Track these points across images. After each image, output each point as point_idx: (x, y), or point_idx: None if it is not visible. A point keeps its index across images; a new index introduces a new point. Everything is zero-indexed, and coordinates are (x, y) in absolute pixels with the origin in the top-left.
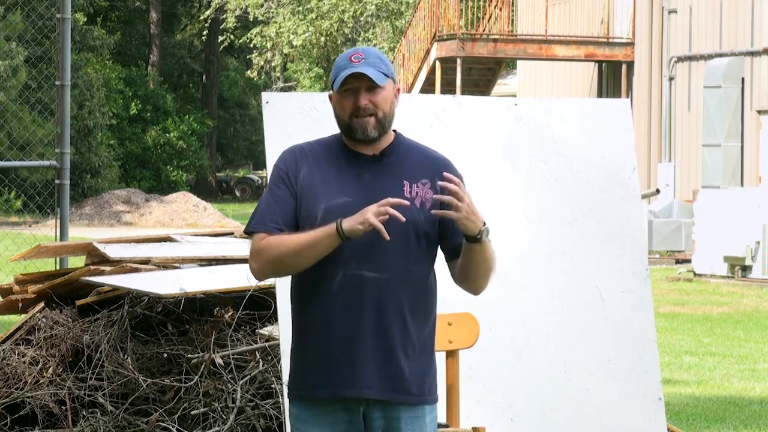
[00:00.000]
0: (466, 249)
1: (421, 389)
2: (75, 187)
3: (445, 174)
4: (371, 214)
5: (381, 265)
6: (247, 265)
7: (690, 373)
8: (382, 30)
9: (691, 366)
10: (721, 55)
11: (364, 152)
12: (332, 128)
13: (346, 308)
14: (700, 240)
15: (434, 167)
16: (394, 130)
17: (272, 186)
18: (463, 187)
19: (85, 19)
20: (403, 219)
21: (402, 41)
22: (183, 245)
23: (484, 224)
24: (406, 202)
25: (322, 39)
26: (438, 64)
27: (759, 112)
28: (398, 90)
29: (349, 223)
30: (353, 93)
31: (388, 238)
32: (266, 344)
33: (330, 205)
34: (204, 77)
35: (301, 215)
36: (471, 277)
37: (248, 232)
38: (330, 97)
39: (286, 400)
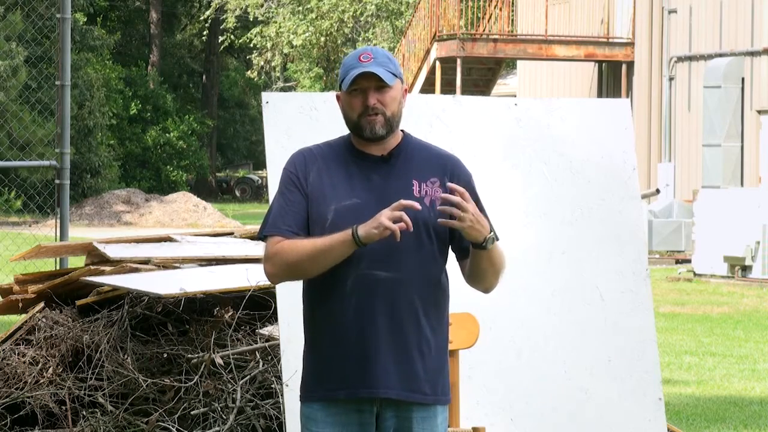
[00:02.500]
0: (473, 253)
1: (435, 389)
2: (75, 187)
3: (449, 185)
4: (385, 218)
5: (394, 264)
6: (247, 265)
7: (690, 373)
8: (382, 30)
9: (691, 366)
10: (721, 55)
11: (373, 153)
12: (332, 128)
13: (359, 308)
14: (700, 240)
15: (443, 166)
16: (402, 130)
17: (283, 189)
18: (467, 197)
19: (85, 19)
20: (411, 229)
21: (402, 41)
22: (183, 245)
23: (491, 231)
24: (418, 205)
25: (322, 39)
26: (438, 64)
27: (759, 112)
28: (405, 90)
29: (364, 230)
30: (362, 92)
31: (399, 239)
32: (266, 344)
33: (340, 206)
34: (204, 77)
35: (311, 217)
36: (480, 279)
37: (262, 237)
38: (338, 98)
39: (287, 400)
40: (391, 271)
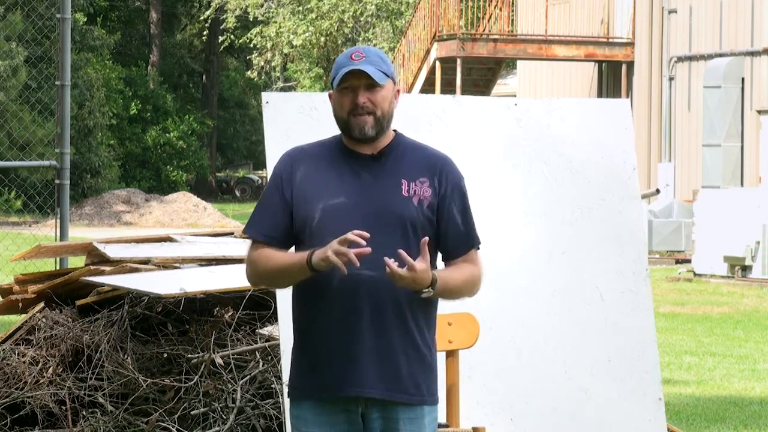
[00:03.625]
0: None
1: (420, 389)
2: (75, 187)
3: (384, 259)
4: (332, 252)
5: (380, 264)
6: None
7: (690, 373)
8: (382, 30)
9: (691, 366)
10: (721, 55)
11: (363, 152)
12: (332, 128)
13: (345, 308)
14: (700, 240)
15: (433, 165)
16: (394, 130)
17: (267, 191)
18: (410, 264)
19: (85, 19)
20: (358, 264)
21: (402, 41)
22: (183, 245)
23: (431, 284)
24: (366, 234)
25: (322, 39)
26: (438, 64)
27: (759, 112)
28: (398, 91)
29: (315, 258)
30: (352, 91)
31: (344, 272)
32: (266, 344)
33: (327, 205)
34: (204, 77)
35: (298, 216)
36: (446, 299)
37: (245, 234)
38: (330, 96)
39: (287, 400)
40: (377, 270)
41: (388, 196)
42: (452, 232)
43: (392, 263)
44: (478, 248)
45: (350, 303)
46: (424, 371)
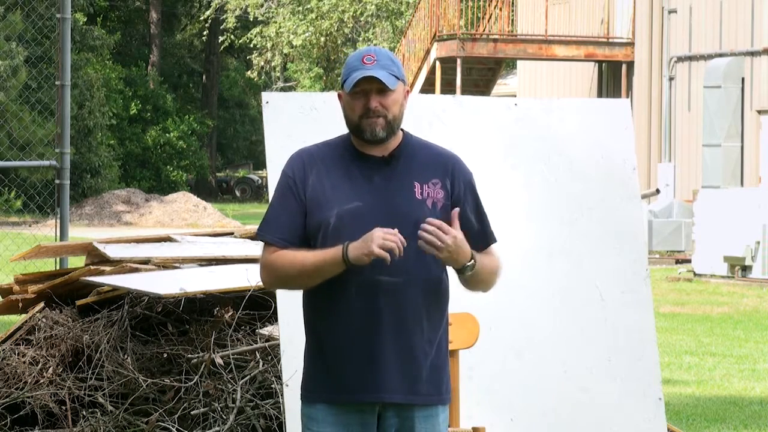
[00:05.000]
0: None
1: (438, 389)
2: (75, 187)
3: (427, 221)
4: (376, 247)
5: (398, 268)
6: (247, 265)
7: (690, 373)
8: (382, 30)
9: (691, 366)
10: (721, 55)
11: (373, 154)
12: (332, 128)
13: (364, 313)
14: (700, 240)
15: (444, 165)
16: (402, 130)
17: (280, 193)
18: (445, 228)
19: (85, 19)
20: (403, 255)
21: (402, 41)
22: (183, 245)
23: (471, 259)
24: (402, 241)
25: (322, 39)
26: (438, 64)
27: (759, 112)
28: (407, 91)
29: (354, 253)
30: (364, 95)
31: (389, 263)
32: (266, 344)
33: (342, 210)
34: (204, 77)
35: (312, 221)
36: (472, 288)
37: (259, 237)
38: (339, 96)
39: (287, 400)
40: (395, 275)
41: (401, 199)
42: (469, 232)
43: (433, 229)
44: (495, 242)
45: (371, 308)
46: (440, 370)
